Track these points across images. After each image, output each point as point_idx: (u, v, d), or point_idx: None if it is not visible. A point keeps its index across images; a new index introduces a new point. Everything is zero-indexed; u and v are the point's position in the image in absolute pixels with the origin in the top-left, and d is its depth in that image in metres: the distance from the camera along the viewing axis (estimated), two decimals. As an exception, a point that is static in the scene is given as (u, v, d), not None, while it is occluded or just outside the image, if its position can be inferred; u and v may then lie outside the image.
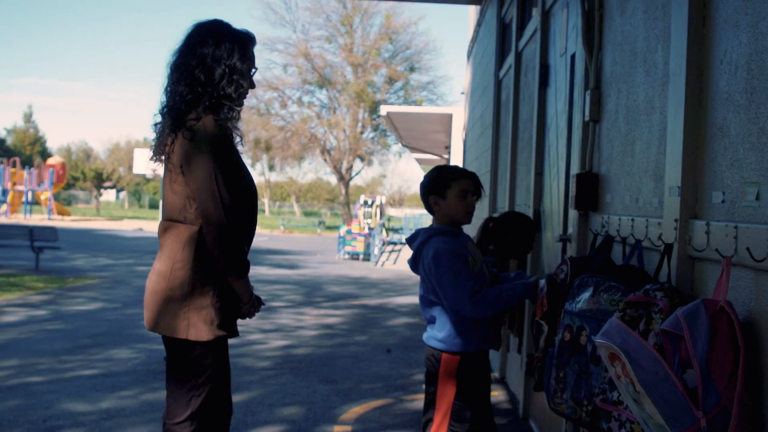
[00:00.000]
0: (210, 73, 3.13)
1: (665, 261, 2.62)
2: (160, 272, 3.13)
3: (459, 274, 3.54)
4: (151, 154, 3.27)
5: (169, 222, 3.15)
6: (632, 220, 3.10)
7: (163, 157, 3.16)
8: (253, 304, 3.28)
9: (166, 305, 3.10)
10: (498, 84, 8.49)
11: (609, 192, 3.63)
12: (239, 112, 3.29)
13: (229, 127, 3.19)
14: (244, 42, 3.24)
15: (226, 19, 3.29)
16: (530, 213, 5.69)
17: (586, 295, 2.90)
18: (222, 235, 3.04)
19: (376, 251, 24.78)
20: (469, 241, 3.80)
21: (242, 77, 3.21)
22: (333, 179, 62.78)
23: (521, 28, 6.93)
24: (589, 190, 3.86)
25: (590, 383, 2.84)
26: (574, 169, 4.21)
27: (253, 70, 3.29)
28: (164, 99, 3.21)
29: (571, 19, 4.70)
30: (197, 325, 3.08)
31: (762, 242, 1.95)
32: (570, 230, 4.35)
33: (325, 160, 54.90)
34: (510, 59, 7.39)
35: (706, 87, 2.48)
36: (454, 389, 3.65)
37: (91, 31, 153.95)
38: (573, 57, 4.59)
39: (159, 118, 3.22)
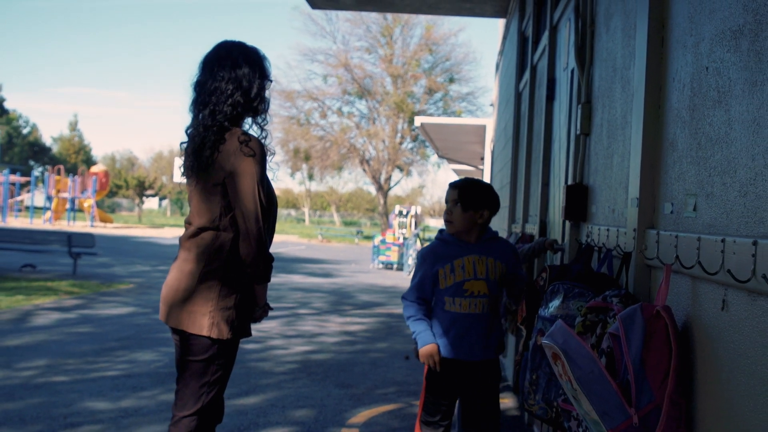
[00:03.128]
0: (247, 94, 3.38)
1: (624, 269, 2.75)
2: (189, 272, 3.33)
3: (415, 274, 3.92)
4: (184, 168, 3.47)
5: (200, 229, 3.36)
6: (608, 230, 3.22)
7: (200, 170, 3.34)
8: (264, 309, 3.50)
9: (193, 303, 3.31)
10: (518, 97, 8.61)
11: (594, 203, 3.75)
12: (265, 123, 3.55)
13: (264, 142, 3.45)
14: (264, 60, 3.51)
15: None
16: (537, 223, 5.81)
17: (557, 301, 3.03)
18: (259, 242, 3.28)
19: (410, 261, 24.89)
20: (471, 254, 3.87)
21: (265, 95, 3.50)
22: (373, 189, 62.94)
23: (536, 42, 7.06)
24: (578, 201, 3.98)
25: (559, 385, 2.97)
26: (569, 181, 4.34)
27: (269, 84, 3.53)
28: (199, 118, 3.39)
29: (572, 35, 4.82)
30: (220, 325, 3.30)
31: (692, 250, 2.08)
32: (565, 240, 4.47)
33: (364, 170, 55.15)
34: (527, 73, 7.52)
35: (663, 104, 2.60)
36: (425, 383, 3.91)
37: (137, 41, 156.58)
38: (573, 71, 4.72)
39: (193, 135, 3.41)
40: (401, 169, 57.53)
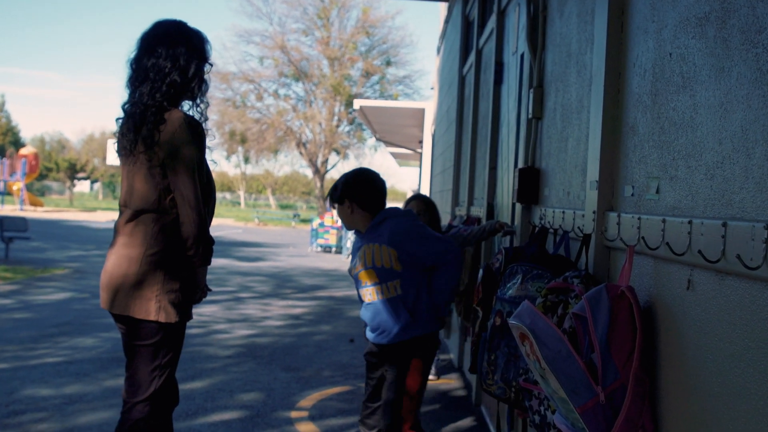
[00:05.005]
0: (184, 74, 3.33)
1: (584, 250, 2.80)
2: (132, 257, 3.26)
3: None
4: (119, 146, 3.41)
5: (139, 211, 3.29)
6: (563, 212, 3.28)
7: (138, 150, 3.28)
8: (203, 291, 3.47)
9: (138, 288, 3.25)
10: (462, 80, 8.67)
11: (547, 186, 3.81)
12: (207, 106, 3.51)
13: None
14: (204, 43, 3.45)
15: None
16: (484, 206, 5.87)
17: (515, 282, 3.08)
18: (200, 225, 3.26)
19: (348, 244, 24.88)
20: (365, 244, 4.00)
21: (204, 77, 3.45)
22: (309, 172, 62.61)
23: (482, 26, 7.11)
24: (530, 184, 4.03)
25: (518, 365, 3.02)
26: (520, 164, 4.40)
27: (208, 67, 3.49)
28: (135, 95, 3.33)
29: (521, 19, 4.87)
30: (167, 309, 3.26)
31: (657, 232, 2.13)
32: (516, 222, 4.53)
33: (301, 153, 54.85)
34: (472, 56, 7.57)
35: (623, 89, 2.65)
36: None
37: (66, 22, 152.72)
38: (522, 56, 4.77)
39: (130, 113, 3.34)
40: (338, 152, 57.37)
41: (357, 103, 20.34)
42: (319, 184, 54.63)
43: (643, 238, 2.19)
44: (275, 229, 40.41)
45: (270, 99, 54.59)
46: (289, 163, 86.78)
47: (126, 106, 3.38)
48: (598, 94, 2.77)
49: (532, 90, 4.11)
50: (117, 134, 3.43)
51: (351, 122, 54.15)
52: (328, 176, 61.34)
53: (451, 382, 6.78)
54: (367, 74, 54.16)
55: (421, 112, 19.28)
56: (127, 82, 3.39)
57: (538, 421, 2.69)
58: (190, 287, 3.38)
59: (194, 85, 3.37)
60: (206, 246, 3.33)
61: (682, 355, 2.00)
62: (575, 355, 2.16)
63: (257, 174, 79.91)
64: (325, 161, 55.10)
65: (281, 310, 10.99)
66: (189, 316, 3.41)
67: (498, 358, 3.11)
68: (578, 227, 2.97)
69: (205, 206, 3.38)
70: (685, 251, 1.93)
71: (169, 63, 3.28)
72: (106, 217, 40.07)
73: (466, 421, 5.62)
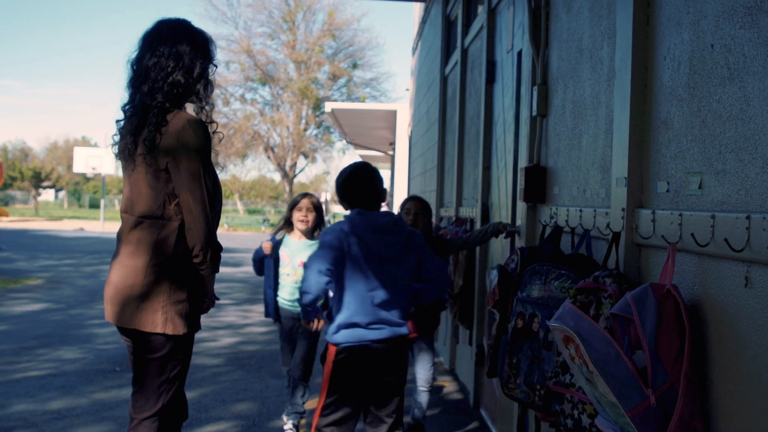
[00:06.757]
0: (189, 74, 3.19)
1: (613, 248, 2.73)
2: (135, 267, 3.12)
3: None
4: (118, 150, 3.27)
5: (142, 218, 3.15)
6: (580, 210, 3.22)
7: (139, 153, 3.15)
8: (211, 299, 3.33)
9: (143, 300, 3.10)
10: (444, 80, 8.60)
11: (557, 184, 3.75)
12: (212, 108, 3.37)
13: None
14: (211, 44, 3.33)
15: (169, 14, 3.34)
16: (479, 206, 5.81)
17: (537, 283, 3.01)
18: (207, 231, 3.12)
19: (321, 248, 24.69)
20: None
21: (211, 77, 3.32)
22: (277, 177, 62.36)
23: (467, 26, 7.05)
24: (537, 183, 3.97)
25: (543, 368, 2.95)
26: (522, 163, 4.33)
27: (213, 68, 3.36)
28: (137, 97, 3.19)
29: (517, 17, 4.81)
30: (175, 320, 3.12)
31: (705, 228, 2.07)
32: (519, 222, 4.46)
33: (269, 157, 54.58)
34: (456, 56, 7.51)
35: (651, 82, 2.59)
36: None
37: (25, 29, 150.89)
38: (520, 54, 4.70)
39: (130, 115, 3.20)
40: (306, 156, 57.18)
41: (328, 106, 20.23)
42: (288, 188, 54.42)
43: (693, 234, 2.13)
44: (245, 234, 40.08)
45: (237, 103, 54.28)
46: (256, 168, 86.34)
47: (126, 108, 3.24)
48: (624, 89, 2.71)
49: (535, 87, 4.05)
50: (116, 137, 3.29)
51: (318, 125, 54.04)
52: (296, 180, 61.16)
53: (445, 385, 6.70)
54: (334, 77, 54.10)
55: (393, 113, 19.21)
56: (128, 84, 3.24)
57: (571, 425, 2.62)
58: (198, 296, 3.25)
59: (200, 86, 3.22)
60: (214, 252, 3.20)
61: (740, 355, 1.94)
62: (624, 357, 2.09)
63: (224, 179, 79.36)
64: (294, 165, 54.90)
65: (262, 317, 10.78)
66: (197, 327, 3.29)
67: (521, 361, 3.04)
68: (603, 225, 2.91)
69: (211, 211, 3.26)
70: (744, 247, 1.87)
71: (172, 62, 3.14)
72: (73, 225, 39.52)
73: (469, 426, 5.54)
